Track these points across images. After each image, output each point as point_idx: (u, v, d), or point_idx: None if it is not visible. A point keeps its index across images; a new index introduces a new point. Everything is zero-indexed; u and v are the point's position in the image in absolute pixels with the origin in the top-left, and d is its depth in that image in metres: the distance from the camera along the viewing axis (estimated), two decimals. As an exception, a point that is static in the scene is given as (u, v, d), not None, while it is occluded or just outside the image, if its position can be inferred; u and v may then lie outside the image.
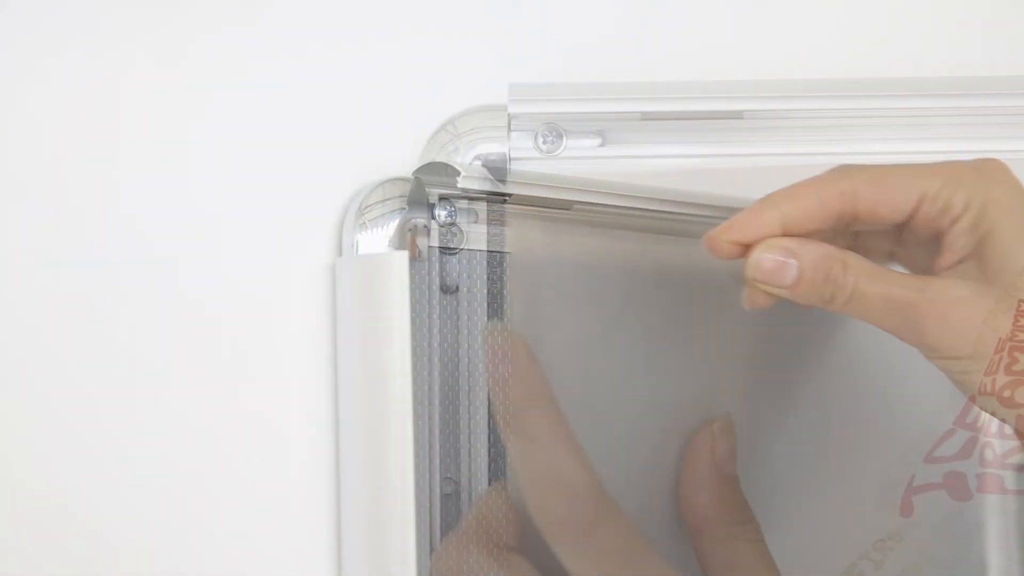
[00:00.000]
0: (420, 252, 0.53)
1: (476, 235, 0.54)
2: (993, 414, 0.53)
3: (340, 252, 0.56)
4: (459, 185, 0.53)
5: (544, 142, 0.54)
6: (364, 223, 0.54)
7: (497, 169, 0.54)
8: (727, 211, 0.48)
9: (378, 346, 0.53)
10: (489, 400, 0.51)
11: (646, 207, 0.53)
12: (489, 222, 0.54)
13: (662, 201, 0.53)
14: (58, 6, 0.59)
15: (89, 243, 0.58)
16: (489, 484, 0.53)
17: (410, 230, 0.53)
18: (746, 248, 0.44)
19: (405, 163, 0.57)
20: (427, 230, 0.53)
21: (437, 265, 0.53)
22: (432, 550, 0.52)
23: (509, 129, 0.54)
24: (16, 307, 0.58)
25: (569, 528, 0.46)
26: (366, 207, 0.55)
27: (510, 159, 0.54)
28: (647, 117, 0.54)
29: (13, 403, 0.58)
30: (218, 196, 0.58)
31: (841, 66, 0.58)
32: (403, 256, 0.52)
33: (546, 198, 0.54)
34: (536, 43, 0.59)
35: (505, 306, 0.54)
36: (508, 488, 0.49)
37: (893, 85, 0.54)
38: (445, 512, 0.53)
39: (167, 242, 0.58)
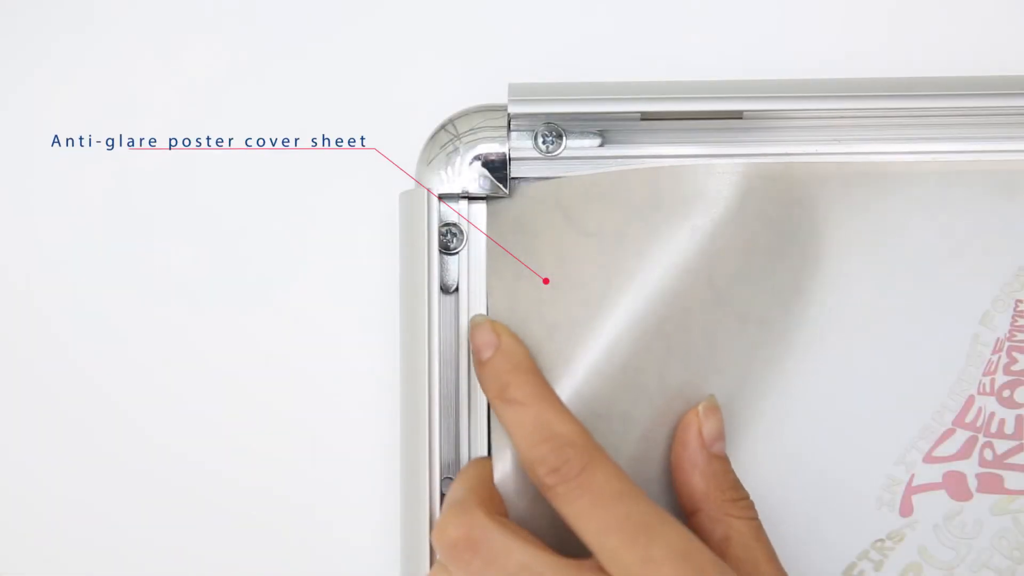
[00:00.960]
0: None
1: (476, 235, 0.54)
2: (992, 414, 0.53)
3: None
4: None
5: (544, 142, 0.54)
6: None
7: (497, 169, 0.54)
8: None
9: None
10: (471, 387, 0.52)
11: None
12: (488, 222, 0.54)
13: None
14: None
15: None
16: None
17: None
18: None
19: (403, 162, 0.57)
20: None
21: (437, 265, 0.53)
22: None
23: (509, 129, 0.54)
24: (41, 293, 0.58)
25: (562, 475, 0.47)
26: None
27: (510, 159, 0.54)
28: (647, 117, 0.54)
29: (30, 397, 0.58)
30: (218, 196, 0.59)
31: (841, 66, 0.58)
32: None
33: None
34: (535, 42, 0.59)
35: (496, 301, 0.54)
36: (493, 461, 0.50)
37: (894, 85, 0.54)
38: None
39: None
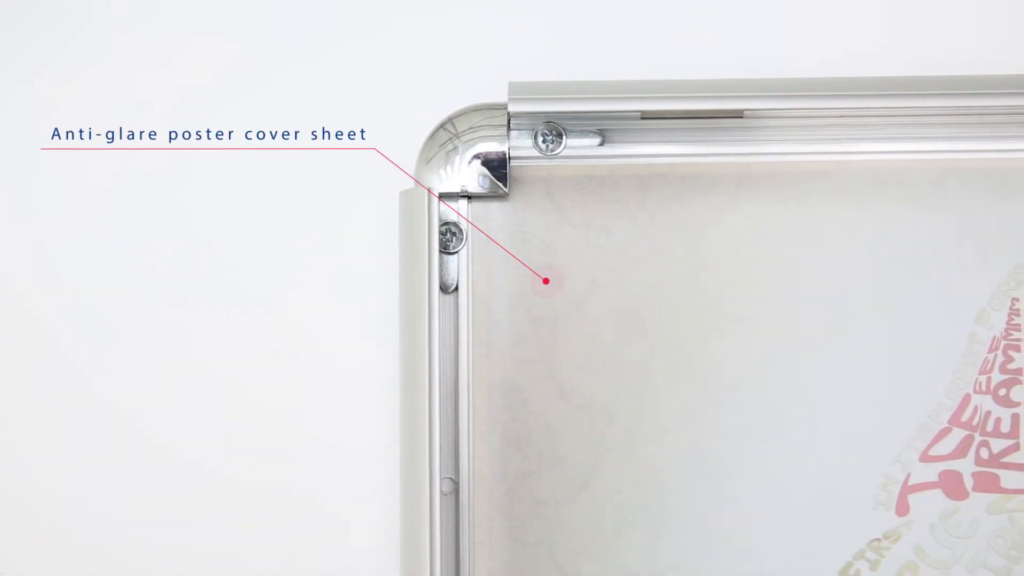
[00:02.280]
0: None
1: (475, 234, 0.54)
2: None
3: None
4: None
5: (544, 141, 0.54)
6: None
7: (496, 168, 0.54)
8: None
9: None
10: None
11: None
12: (487, 220, 0.54)
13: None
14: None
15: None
16: (488, 484, 0.54)
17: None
18: None
19: (403, 160, 0.57)
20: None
21: (437, 265, 0.53)
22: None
23: (509, 128, 0.54)
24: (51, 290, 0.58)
25: None
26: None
27: (510, 158, 0.54)
28: (647, 116, 0.54)
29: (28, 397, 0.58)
30: (216, 198, 0.59)
31: (841, 66, 0.58)
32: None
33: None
34: (535, 40, 0.59)
35: (502, 304, 0.54)
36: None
37: (893, 84, 0.54)
38: (445, 512, 0.53)
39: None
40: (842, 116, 0.54)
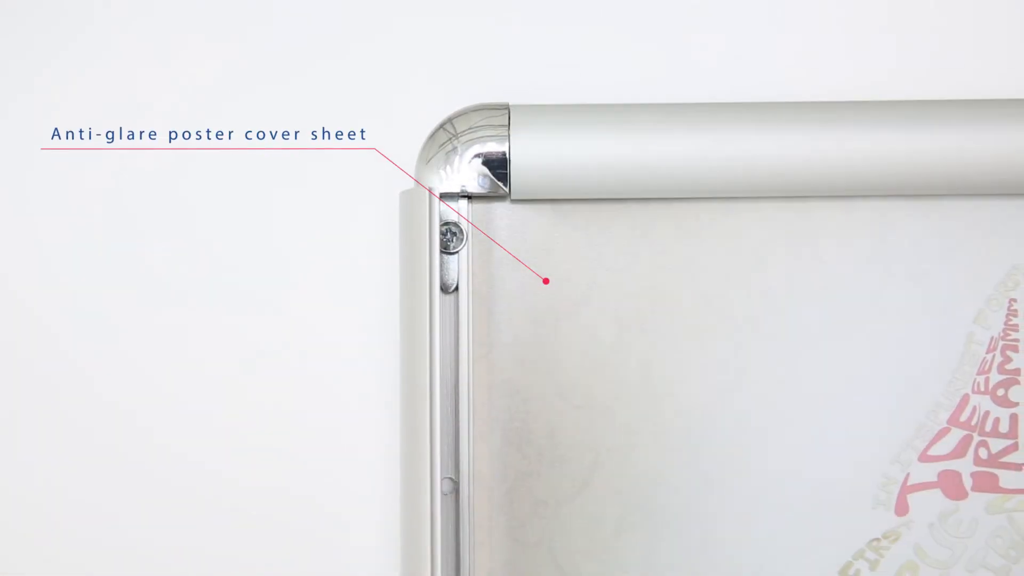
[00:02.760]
0: None
1: (475, 234, 0.54)
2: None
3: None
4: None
5: (544, 142, 0.54)
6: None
7: (497, 168, 0.54)
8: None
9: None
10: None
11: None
12: (487, 221, 0.54)
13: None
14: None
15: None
16: (488, 484, 0.54)
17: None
18: None
19: (403, 160, 0.57)
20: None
21: (437, 265, 0.53)
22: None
23: (509, 128, 0.54)
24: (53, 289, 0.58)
25: None
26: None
27: (510, 158, 0.54)
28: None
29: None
30: (217, 198, 0.59)
31: (840, 87, 0.58)
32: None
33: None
34: (535, 39, 0.59)
35: (502, 304, 0.54)
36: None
37: (896, 121, 0.54)
38: (445, 512, 0.53)
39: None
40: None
